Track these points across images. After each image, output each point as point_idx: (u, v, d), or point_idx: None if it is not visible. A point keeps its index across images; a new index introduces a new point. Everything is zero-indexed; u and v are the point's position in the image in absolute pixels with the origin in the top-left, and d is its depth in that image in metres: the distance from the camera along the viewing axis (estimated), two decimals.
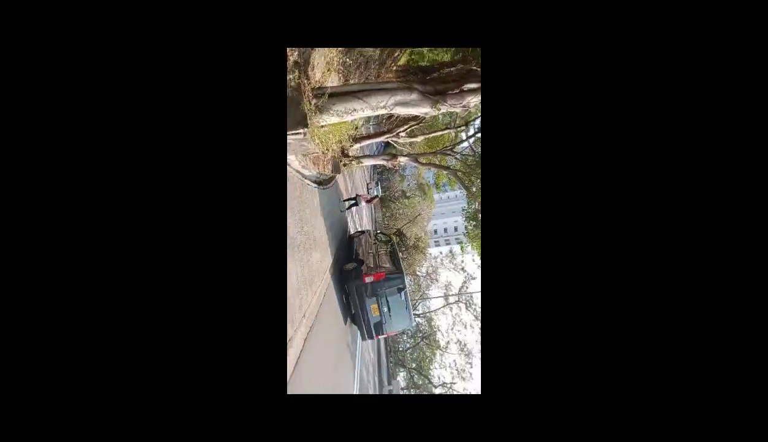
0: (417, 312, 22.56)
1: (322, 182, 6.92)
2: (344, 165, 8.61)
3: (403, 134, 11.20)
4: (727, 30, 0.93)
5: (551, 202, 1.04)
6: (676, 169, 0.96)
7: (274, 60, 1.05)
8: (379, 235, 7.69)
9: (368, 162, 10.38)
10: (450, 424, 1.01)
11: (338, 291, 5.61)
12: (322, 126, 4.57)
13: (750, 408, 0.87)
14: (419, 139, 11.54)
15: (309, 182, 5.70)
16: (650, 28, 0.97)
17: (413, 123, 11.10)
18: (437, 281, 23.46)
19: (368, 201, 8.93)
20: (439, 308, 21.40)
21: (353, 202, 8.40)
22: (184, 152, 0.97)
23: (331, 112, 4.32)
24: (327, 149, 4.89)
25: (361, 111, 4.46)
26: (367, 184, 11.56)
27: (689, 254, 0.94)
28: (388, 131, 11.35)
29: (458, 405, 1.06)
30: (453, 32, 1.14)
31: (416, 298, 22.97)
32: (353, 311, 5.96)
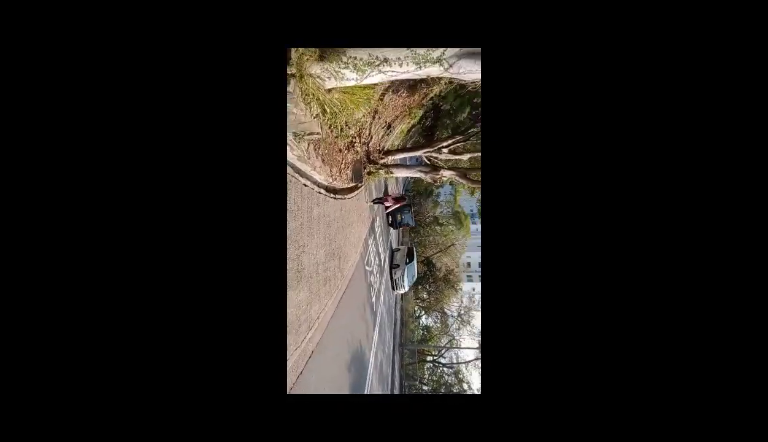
0: (443, 360, 19.17)
1: (335, 190, 5.04)
2: (369, 173, 6.76)
3: (445, 150, 9.34)
4: (727, 30, 0.92)
5: (551, 204, 1.03)
6: (673, 164, 0.96)
7: (274, 60, 1.03)
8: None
9: (401, 174, 8.45)
10: (450, 424, 1.00)
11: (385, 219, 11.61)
12: (329, 90, 2.79)
13: (750, 408, 0.86)
14: (465, 157, 9.54)
15: (308, 183, 3.87)
16: (649, 28, 0.96)
17: (460, 138, 9.23)
18: (469, 324, 20.06)
19: (396, 200, 8.79)
20: (471, 361, 17.81)
21: (379, 201, 9.14)
22: (182, 150, 0.95)
23: (344, 61, 2.53)
24: (332, 127, 3.06)
25: (398, 64, 2.60)
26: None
27: (689, 251, 0.94)
28: (427, 145, 9.64)
29: (458, 405, 1.04)
30: (453, 32, 1.12)
31: (442, 343, 19.67)
32: (390, 221, 12.64)
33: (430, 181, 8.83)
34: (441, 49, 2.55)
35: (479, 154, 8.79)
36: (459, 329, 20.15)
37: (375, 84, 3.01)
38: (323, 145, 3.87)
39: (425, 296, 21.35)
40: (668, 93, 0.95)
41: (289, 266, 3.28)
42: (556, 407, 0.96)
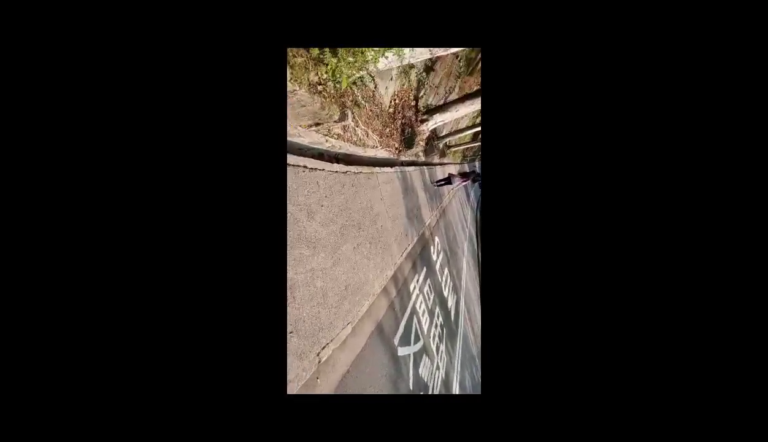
0: None
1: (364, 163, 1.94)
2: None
3: None
4: (727, 30, 0.91)
5: (551, 201, 1.01)
6: (673, 164, 0.94)
7: (275, 60, 1.00)
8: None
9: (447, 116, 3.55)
10: (450, 424, 0.99)
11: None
12: None
13: (750, 408, 0.86)
14: None
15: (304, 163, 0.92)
16: (649, 28, 0.95)
17: None
18: None
19: (463, 175, 7.06)
20: None
21: (446, 181, 7.27)
22: (181, 150, 0.93)
23: None
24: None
25: None
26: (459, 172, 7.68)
27: (689, 252, 0.93)
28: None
29: (458, 405, 1.03)
30: (453, 32, 1.09)
31: None
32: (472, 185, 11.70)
33: None
34: None
35: None
36: None
37: None
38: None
39: None
40: (669, 93, 0.93)
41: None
42: (556, 407, 0.95)
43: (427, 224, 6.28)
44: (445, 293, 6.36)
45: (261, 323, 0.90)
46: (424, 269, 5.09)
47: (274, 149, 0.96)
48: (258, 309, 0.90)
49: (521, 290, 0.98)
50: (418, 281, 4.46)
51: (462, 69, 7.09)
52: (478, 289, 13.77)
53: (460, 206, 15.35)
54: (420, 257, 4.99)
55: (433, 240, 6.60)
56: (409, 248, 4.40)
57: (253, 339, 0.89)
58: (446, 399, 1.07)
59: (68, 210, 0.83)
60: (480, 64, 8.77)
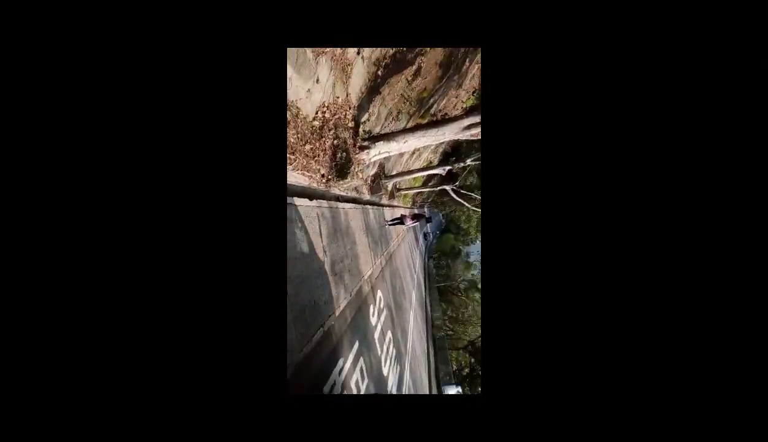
0: None
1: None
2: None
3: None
4: (727, 30, 0.92)
5: (552, 203, 1.01)
6: (675, 165, 0.95)
7: (274, 60, 1.01)
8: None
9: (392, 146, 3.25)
10: (450, 424, 0.98)
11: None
12: None
13: (750, 408, 0.86)
14: None
15: None
16: (649, 28, 0.95)
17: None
18: None
19: (415, 217, 7.24)
20: None
21: (398, 221, 7.42)
22: (178, 152, 0.93)
23: None
24: None
25: None
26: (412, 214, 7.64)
27: (689, 254, 0.93)
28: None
29: (458, 405, 1.02)
30: (453, 32, 1.09)
31: None
32: (424, 239, 22.84)
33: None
34: None
35: None
36: None
37: None
38: None
39: None
40: (669, 92, 0.93)
41: None
42: (556, 408, 0.95)
43: (366, 275, 4.97)
44: (385, 371, 4.87)
45: (260, 325, 0.90)
46: (356, 345, 3.64)
47: (274, 150, 0.96)
48: (257, 310, 0.90)
49: (522, 291, 0.98)
50: (340, 373, 2.98)
51: (413, 107, 6.61)
52: (425, 343, 12.53)
53: (409, 250, 14.54)
54: (350, 329, 3.56)
55: (374, 296, 5.26)
56: (330, 321, 2.98)
57: (253, 341, 0.89)
58: (446, 399, 1.03)
59: (62, 220, 0.82)
60: (432, 109, 8.64)
